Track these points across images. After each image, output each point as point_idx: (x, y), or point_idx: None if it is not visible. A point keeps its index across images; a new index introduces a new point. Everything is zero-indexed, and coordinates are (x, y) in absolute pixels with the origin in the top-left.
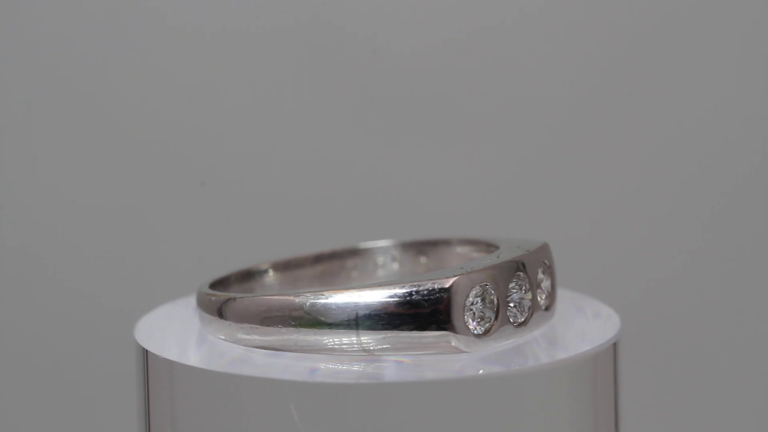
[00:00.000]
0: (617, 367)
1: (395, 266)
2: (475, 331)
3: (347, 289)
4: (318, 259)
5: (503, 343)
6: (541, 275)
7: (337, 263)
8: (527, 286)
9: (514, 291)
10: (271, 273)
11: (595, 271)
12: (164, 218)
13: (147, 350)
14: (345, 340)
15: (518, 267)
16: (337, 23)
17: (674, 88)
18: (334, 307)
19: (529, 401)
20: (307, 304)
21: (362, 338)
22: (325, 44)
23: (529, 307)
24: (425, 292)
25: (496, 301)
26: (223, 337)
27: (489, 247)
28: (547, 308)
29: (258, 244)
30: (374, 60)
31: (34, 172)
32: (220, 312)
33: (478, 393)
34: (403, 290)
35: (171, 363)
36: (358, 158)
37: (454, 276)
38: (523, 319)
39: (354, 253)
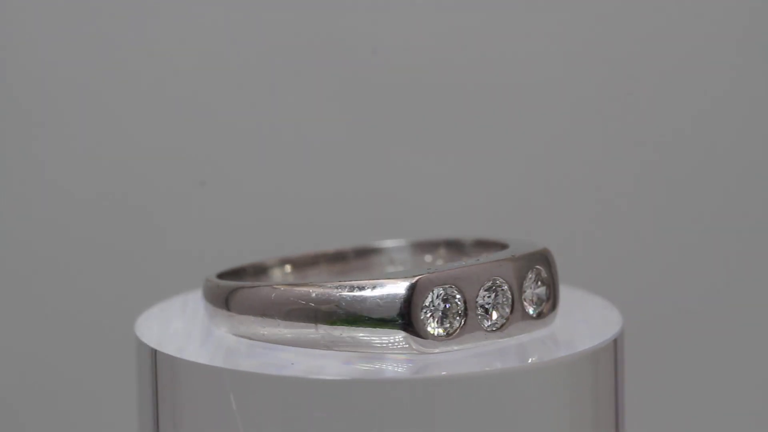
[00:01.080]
0: (618, 364)
1: (440, 263)
2: (435, 333)
3: (309, 284)
4: (338, 256)
5: (469, 347)
6: (529, 281)
7: (375, 259)
8: (506, 291)
9: (488, 295)
10: (287, 268)
11: (597, 266)
12: (166, 213)
13: (146, 345)
14: (306, 333)
15: (494, 271)
16: (337, 25)
17: (675, 86)
18: (294, 300)
19: (529, 398)
20: (273, 296)
21: (321, 332)
22: (328, 44)
23: (509, 313)
24: (383, 290)
25: (462, 304)
26: (227, 330)
27: (502, 248)
28: (539, 315)
29: (261, 242)
30: (375, 59)
31: (34, 167)
32: (226, 302)
33: (479, 390)
34: (362, 287)
35: (173, 358)
36: (361, 158)
37: (414, 276)
38: (499, 325)
39: (370, 251)
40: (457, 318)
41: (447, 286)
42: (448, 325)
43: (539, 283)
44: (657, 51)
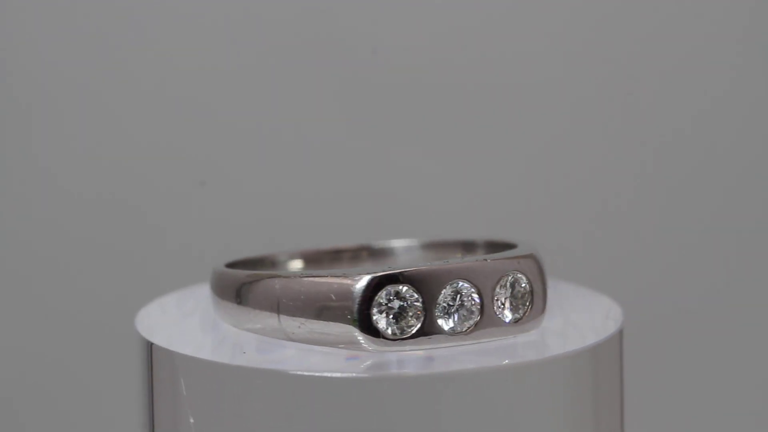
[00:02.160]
0: (618, 362)
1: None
2: (389, 332)
3: (276, 275)
4: (355, 254)
5: (427, 348)
6: (502, 286)
7: (392, 259)
8: (474, 294)
9: (451, 297)
10: (300, 263)
11: (597, 266)
12: (166, 212)
13: (149, 342)
14: (270, 323)
15: (460, 274)
16: (337, 25)
17: (675, 86)
18: (262, 290)
19: (529, 396)
20: (247, 284)
21: (282, 324)
22: (328, 44)
23: (478, 317)
24: (336, 285)
25: (421, 305)
26: (222, 320)
27: (509, 249)
28: (517, 321)
29: (261, 242)
30: (375, 59)
31: (34, 167)
32: (239, 295)
33: (478, 388)
34: (321, 281)
35: (173, 354)
36: (361, 158)
37: (368, 274)
38: (463, 329)
39: (389, 250)
40: (413, 318)
41: (404, 286)
42: (403, 324)
43: (515, 288)
44: (657, 51)
